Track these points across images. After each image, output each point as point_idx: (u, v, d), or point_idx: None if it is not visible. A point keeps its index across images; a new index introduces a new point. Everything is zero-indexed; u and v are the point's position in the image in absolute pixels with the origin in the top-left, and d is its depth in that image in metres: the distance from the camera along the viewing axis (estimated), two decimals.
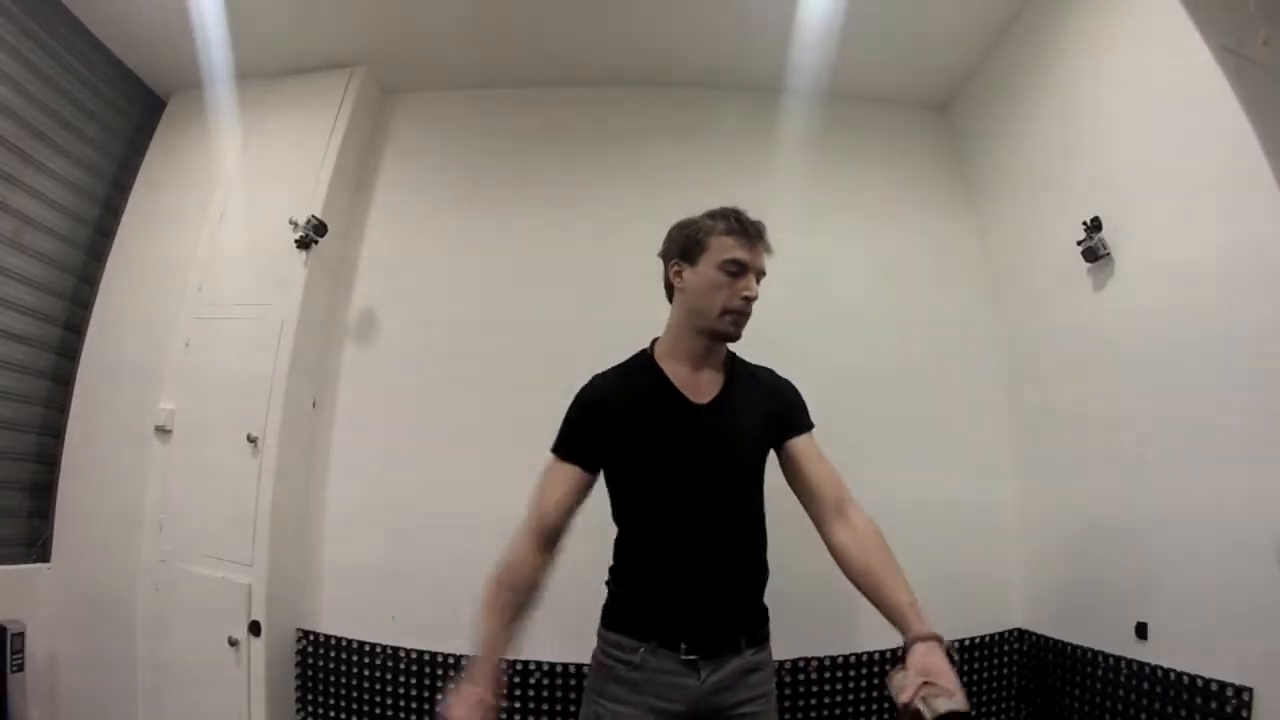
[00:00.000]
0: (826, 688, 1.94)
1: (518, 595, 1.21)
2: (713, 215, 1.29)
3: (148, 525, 2.00)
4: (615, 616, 1.29)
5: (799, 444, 1.31)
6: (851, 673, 1.95)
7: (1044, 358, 2.06)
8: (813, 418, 1.37)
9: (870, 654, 1.96)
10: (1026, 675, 2.01)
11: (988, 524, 2.13)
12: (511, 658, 1.94)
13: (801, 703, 1.93)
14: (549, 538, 1.24)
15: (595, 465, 1.27)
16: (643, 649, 1.23)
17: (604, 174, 2.35)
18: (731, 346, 1.35)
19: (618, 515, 1.31)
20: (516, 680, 1.91)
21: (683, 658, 1.22)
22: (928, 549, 2.07)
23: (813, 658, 1.94)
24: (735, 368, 1.36)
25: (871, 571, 1.17)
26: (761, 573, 1.32)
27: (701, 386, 1.29)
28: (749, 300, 1.26)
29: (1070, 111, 1.90)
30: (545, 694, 1.90)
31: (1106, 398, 1.78)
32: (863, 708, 1.95)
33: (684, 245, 1.29)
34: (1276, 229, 1.33)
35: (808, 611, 2.01)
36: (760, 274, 1.29)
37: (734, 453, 1.27)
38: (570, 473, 1.25)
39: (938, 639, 1.05)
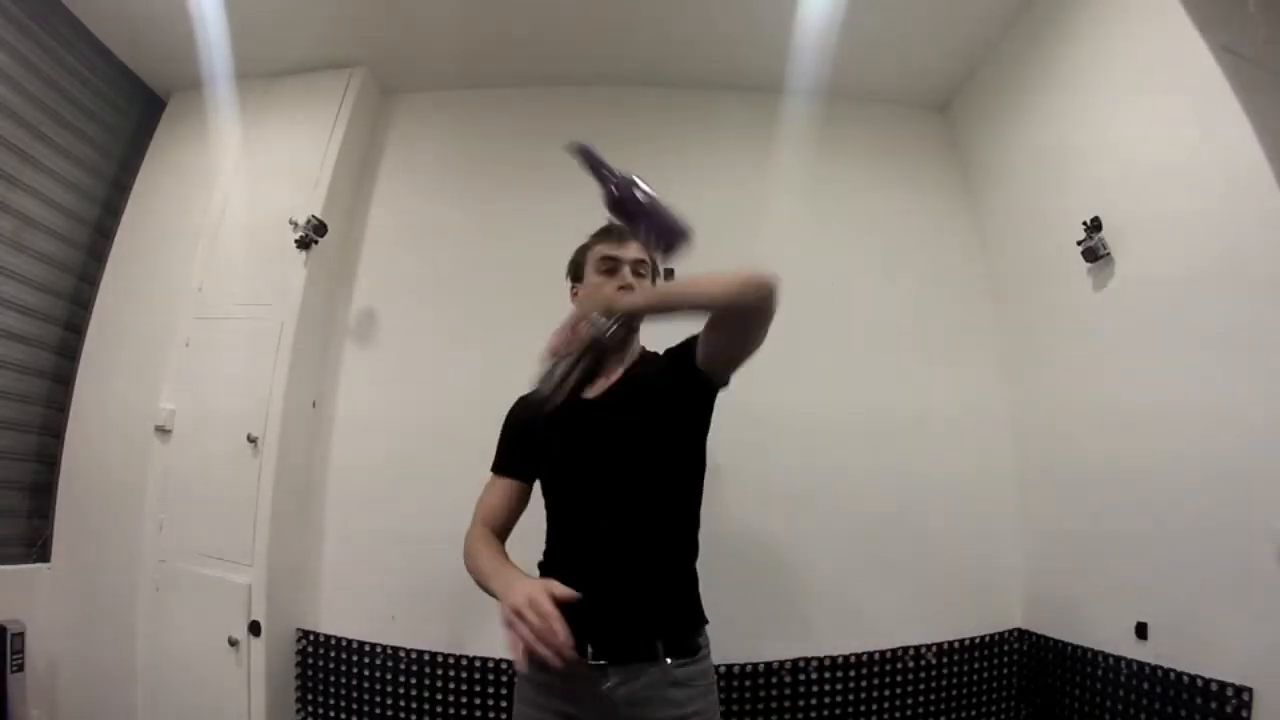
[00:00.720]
0: (826, 688, 1.95)
1: (491, 543, 1.28)
2: (588, 237, 1.43)
3: (148, 525, 2.00)
4: None
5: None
6: (851, 673, 1.95)
7: (1044, 358, 2.06)
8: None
9: (870, 654, 1.96)
10: (1026, 675, 2.01)
11: (988, 525, 2.13)
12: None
13: (802, 703, 1.93)
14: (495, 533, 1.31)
15: (521, 474, 1.36)
16: None
17: None
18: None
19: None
20: (505, 680, 1.90)
21: (590, 662, 1.14)
22: (928, 550, 2.09)
23: (812, 658, 1.95)
24: (640, 363, 1.37)
25: None
26: (682, 571, 1.26)
27: (605, 385, 1.33)
28: (625, 289, 1.33)
29: (1070, 111, 1.91)
30: None
31: (1107, 398, 1.78)
32: (863, 708, 1.95)
33: (572, 268, 1.44)
34: (1276, 229, 1.33)
35: (808, 611, 2.02)
36: (636, 264, 1.35)
37: (620, 440, 1.25)
38: (498, 485, 1.37)
39: None
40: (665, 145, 2.39)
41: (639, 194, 1.17)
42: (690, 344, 1.28)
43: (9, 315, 2.00)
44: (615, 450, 1.25)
